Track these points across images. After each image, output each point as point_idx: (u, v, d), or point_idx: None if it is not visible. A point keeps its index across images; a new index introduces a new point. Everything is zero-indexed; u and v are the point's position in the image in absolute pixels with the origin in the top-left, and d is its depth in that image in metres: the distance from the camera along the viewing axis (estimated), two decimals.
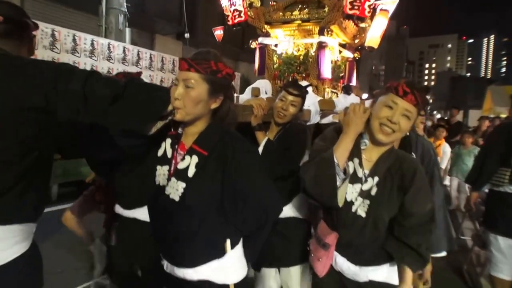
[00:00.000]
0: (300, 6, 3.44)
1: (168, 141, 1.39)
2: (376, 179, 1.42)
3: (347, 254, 1.48)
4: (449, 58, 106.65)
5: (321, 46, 3.11)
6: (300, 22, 3.35)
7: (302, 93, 2.20)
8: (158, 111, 1.27)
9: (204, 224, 1.33)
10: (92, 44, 6.33)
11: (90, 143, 1.45)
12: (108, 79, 1.31)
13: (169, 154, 1.38)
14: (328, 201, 1.43)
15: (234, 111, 1.45)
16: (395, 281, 1.50)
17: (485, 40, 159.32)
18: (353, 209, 1.43)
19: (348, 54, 3.79)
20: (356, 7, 2.78)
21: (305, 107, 2.67)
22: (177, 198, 1.31)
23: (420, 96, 1.35)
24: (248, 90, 3.32)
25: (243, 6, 3.30)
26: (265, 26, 3.42)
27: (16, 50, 1.29)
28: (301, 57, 3.42)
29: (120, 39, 7.11)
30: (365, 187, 1.43)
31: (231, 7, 3.29)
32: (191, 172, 1.31)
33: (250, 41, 3.48)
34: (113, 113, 1.22)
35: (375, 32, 3.44)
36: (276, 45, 3.59)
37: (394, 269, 1.50)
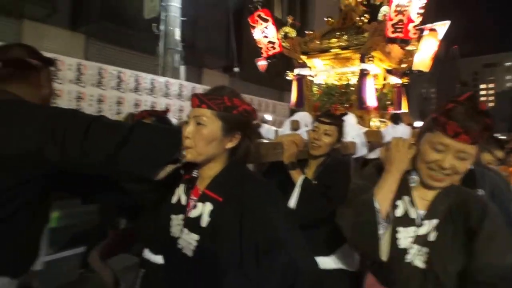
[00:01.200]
0: (338, 33, 3.19)
1: (182, 186, 1.20)
2: (435, 221, 1.15)
3: None
4: (508, 77, 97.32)
5: (363, 74, 2.80)
6: (338, 50, 3.08)
7: (336, 121, 1.92)
8: (167, 154, 1.11)
9: (223, 284, 1.10)
10: (151, 82, 6.79)
11: (97, 189, 1.30)
12: (113, 125, 1.14)
13: (183, 201, 1.18)
14: (370, 253, 1.20)
15: (257, 151, 1.28)
16: None
17: None
18: (408, 258, 1.16)
19: (395, 80, 3.41)
20: (399, 30, 2.45)
21: (350, 138, 2.36)
22: (190, 253, 1.10)
23: (478, 131, 1.03)
24: (287, 123, 3.07)
25: (277, 38, 3.10)
26: (302, 56, 3.18)
27: (22, 91, 1.20)
28: (342, 87, 3.11)
29: (176, 76, 7.49)
30: (422, 231, 1.15)
31: (264, 39, 3.12)
32: (204, 222, 1.11)
33: (286, 73, 3.26)
34: (117, 160, 1.08)
35: (424, 54, 3.06)
36: (314, 75, 3.33)
37: None
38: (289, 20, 3.33)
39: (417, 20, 2.49)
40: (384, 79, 3.35)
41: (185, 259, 1.11)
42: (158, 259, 1.66)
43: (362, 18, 2.97)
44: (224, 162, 1.18)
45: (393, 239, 1.17)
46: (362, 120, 3.05)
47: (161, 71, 7.31)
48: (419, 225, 1.17)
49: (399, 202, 1.19)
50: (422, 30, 3.01)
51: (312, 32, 3.35)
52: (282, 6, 8.26)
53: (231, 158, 1.19)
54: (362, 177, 1.33)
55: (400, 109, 3.47)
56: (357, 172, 1.42)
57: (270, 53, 3.16)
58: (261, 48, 3.21)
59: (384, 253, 1.15)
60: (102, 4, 7.35)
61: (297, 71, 3.17)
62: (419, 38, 3.02)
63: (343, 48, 3.05)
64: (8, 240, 1.10)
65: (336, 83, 3.24)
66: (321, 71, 3.31)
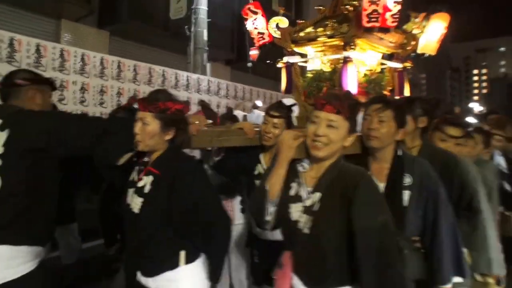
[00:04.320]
0: (328, 22, 3.03)
1: (136, 168, 1.55)
2: (318, 194, 1.29)
3: (301, 275, 1.33)
4: (503, 62, 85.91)
5: (345, 61, 2.67)
6: (325, 38, 2.93)
7: (283, 115, 2.00)
8: (128, 145, 1.45)
9: (158, 234, 1.42)
10: (187, 79, 7.18)
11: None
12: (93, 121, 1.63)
13: (135, 179, 1.52)
14: (260, 224, 1.45)
15: (189, 139, 1.64)
16: None
17: None
18: (299, 227, 1.31)
19: (394, 64, 3.22)
20: (374, 19, 2.29)
21: None
22: (137, 211, 1.43)
23: (340, 103, 1.24)
24: None
25: (266, 28, 3.01)
26: (291, 45, 3.06)
27: (23, 105, 1.50)
28: (327, 74, 2.98)
29: (204, 73, 7.79)
30: (307, 203, 1.30)
31: (254, 30, 3.02)
32: (147, 189, 1.43)
33: (277, 60, 3.14)
34: (99, 150, 1.46)
35: (430, 37, 2.92)
36: (305, 63, 3.21)
37: None
38: (281, 11, 3.20)
39: (395, 8, 2.33)
40: (381, 64, 3.17)
41: (133, 216, 1.43)
42: None
43: (347, 6, 2.77)
44: (165, 148, 1.49)
45: (289, 214, 1.32)
46: None
47: (192, 69, 7.58)
48: (306, 199, 1.30)
49: (293, 185, 1.35)
50: (427, 14, 2.87)
51: (303, 22, 3.21)
52: None
53: (170, 145, 1.49)
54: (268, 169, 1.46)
55: (402, 94, 3.29)
56: None
57: (261, 43, 3.07)
58: (253, 38, 3.12)
59: (269, 224, 1.36)
60: (129, 5, 7.58)
61: (286, 59, 3.07)
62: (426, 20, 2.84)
63: (329, 36, 2.92)
64: (38, 215, 1.39)
65: (325, 70, 3.11)
66: (311, 58, 3.17)
